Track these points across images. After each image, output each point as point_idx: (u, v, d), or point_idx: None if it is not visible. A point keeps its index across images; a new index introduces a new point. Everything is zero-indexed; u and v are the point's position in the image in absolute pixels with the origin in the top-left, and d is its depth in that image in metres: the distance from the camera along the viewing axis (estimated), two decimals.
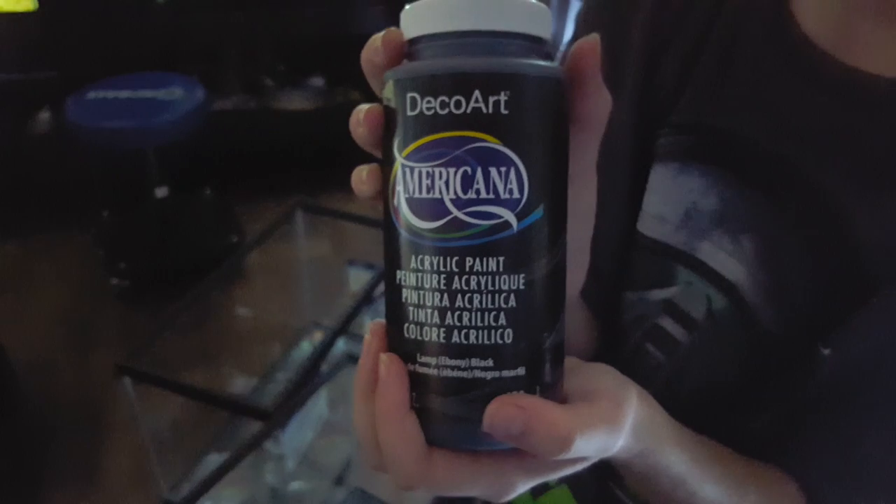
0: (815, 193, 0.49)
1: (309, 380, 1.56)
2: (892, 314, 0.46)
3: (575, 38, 0.62)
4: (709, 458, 0.46)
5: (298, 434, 1.55)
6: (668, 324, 0.56)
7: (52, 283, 2.49)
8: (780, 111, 0.51)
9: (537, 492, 0.65)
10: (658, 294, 0.57)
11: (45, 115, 2.84)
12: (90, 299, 2.46)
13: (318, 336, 2.11)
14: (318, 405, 1.61)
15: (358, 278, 1.95)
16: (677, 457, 0.42)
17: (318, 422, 1.63)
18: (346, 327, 1.71)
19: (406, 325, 0.32)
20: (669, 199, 0.55)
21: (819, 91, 0.49)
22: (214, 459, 1.65)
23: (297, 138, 2.77)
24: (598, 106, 0.34)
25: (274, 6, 2.94)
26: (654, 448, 0.41)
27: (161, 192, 2.53)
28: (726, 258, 0.52)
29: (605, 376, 0.37)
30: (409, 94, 0.30)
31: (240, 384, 1.98)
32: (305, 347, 2.10)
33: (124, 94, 2.40)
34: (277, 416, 1.43)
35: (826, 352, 0.48)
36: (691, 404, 0.55)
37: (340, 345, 1.75)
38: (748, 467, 0.50)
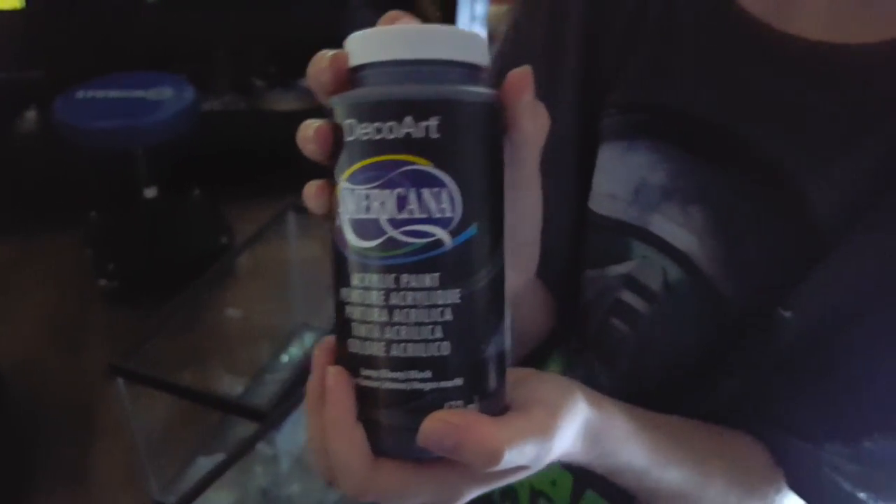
0: (761, 161, 0.50)
1: (303, 381, 1.55)
2: (846, 271, 0.48)
3: (514, 20, 0.63)
4: (670, 442, 0.47)
5: (292, 435, 1.55)
6: (628, 297, 0.57)
7: (40, 284, 2.48)
8: (721, 83, 0.52)
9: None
10: (616, 269, 0.58)
11: (31, 115, 2.82)
12: (79, 300, 2.45)
13: (308, 338, 2.11)
14: None
15: None
16: (638, 451, 0.43)
17: None
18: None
19: (350, 339, 0.33)
20: (619, 176, 0.56)
21: (758, 60, 0.50)
22: (205, 461, 1.65)
23: (287, 139, 2.72)
24: (534, 127, 0.35)
25: (264, 7, 2.93)
26: (611, 449, 0.42)
27: (150, 192, 2.52)
28: (677, 229, 0.53)
29: (546, 385, 0.38)
30: (347, 121, 0.32)
31: (229, 385, 1.98)
32: (296, 349, 2.10)
33: (113, 93, 2.39)
34: (273, 416, 1.43)
35: (786, 314, 0.49)
36: (659, 374, 0.58)
37: None
38: (713, 439, 0.51)
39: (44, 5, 2.69)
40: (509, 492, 0.67)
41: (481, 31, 2.81)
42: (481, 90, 0.33)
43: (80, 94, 2.36)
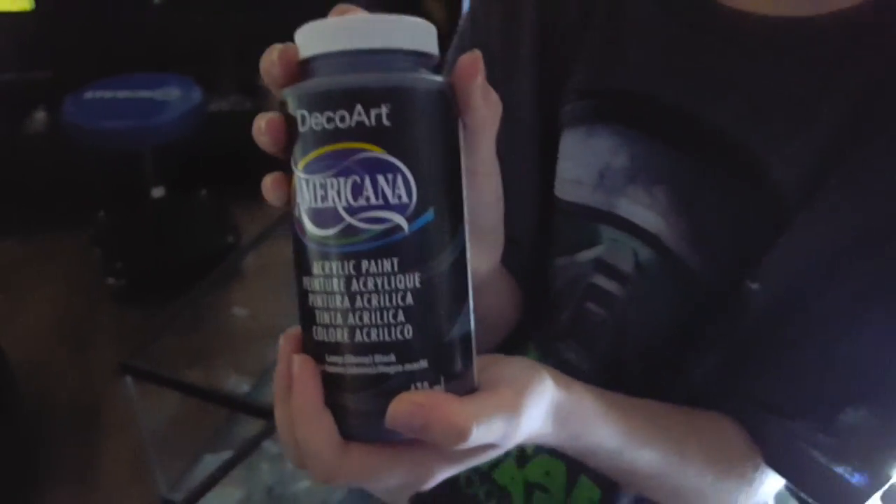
0: (719, 136, 0.51)
1: None
2: (809, 239, 0.49)
3: (469, 11, 0.63)
4: (643, 423, 0.47)
5: None
6: (601, 281, 0.58)
7: (48, 283, 2.49)
8: (673, 63, 0.53)
9: (521, 461, 0.66)
10: (586, 255, 0.58)
11: (41, 115, 2.83)
12: (87, 299, 2.46)
13: None
14: None
15: None
16: (609, 431, 0.44)
17: None
18: None
19: (314, 327, 0.34)
20: (582, 162, 0.57)
21: (708, 37, 0.51)
22: (212, 459, 1.66)
23: None
24: (487, 112, 0.35)
25: (270, 8, 2.94)
26: (581, 430, 0.42)
27: (158, 192, 2.54)
28: (644, 211, 0.54)
29: (514, 366, 0.38)
30: (300, 111, 0.32)
31: (236, 384, 1.99)
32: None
33: (121, 94, 2.40)
34: None
35: (754, 286, 0.50)
36: (638, 356, 0.58)
37: None
38: (688, 420, 0.52)
39: (53, 7, 2.70)
40: (502, 492, 0.66)
41: None
42: (431, 77, 0.34)
43: (89, 94, 2.38)
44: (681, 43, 0.53)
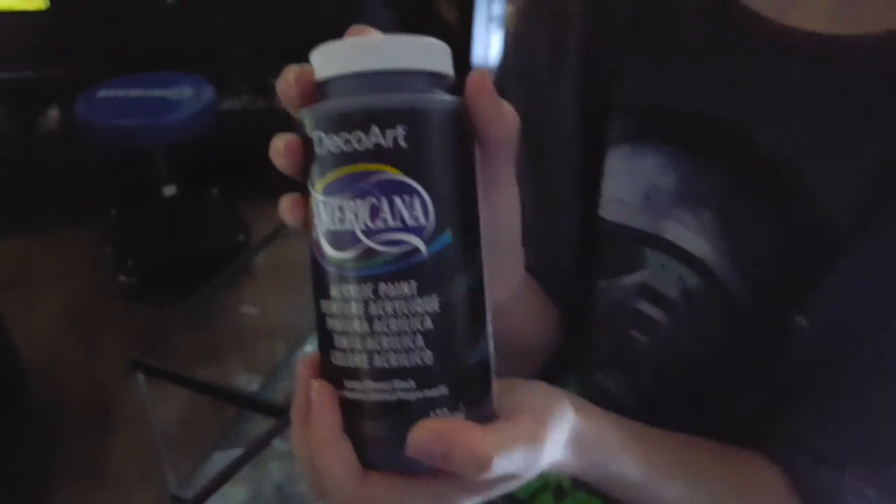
0: (767, 160, 0.49)
1: None
2: (859, 276, 0.46)
3: (515, 27, 0.62)
4: (669, 458, 0.46)
5: None
6: (645, 307, 0.56)
7: (60, 280, 2.50)
8: (722, 81, 0.51)
9: (559, 496, 0.65)
10: (630, 279, 0.56)
11: (54, 113, 2.85)
12: (98, 296, 2.47)
13: None
14: None
15: None
16: (631, 462, 0.43)
17: None
18: None
19: (332, 352, 0.33)
20: (627, 181, 0.55)
21: (758, 55, 0.49)
22: (221, 456, 1.66)
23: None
24: (501, 127, 0.34)
25: (282, 7, 2.95)
26: (603, 460, 0.41)
27: (169, 190, 2.54)
28: (691, 235, 0.52)
29: (534, 392, 0.38)
30: (317, 133, 0.32)
31: (245, 382, 1.99)
32: (311, 347, 2.11)
33: (134, 92, 2.41)
34: (289, 413, 1.44)
35: (803, 321, 0.48)
36: (680, 387, 0.56)
37: None
38: (722, 459, 0.50)
39: (67, 6, 2.72)
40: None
41: (497, 32, 2.81)
42: (446, 97, 0.33)
43: (102, 92, 2.39)
44: (731, 61, 0.51)
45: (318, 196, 0.33)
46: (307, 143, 0.33)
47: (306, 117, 0.33)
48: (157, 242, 2.65)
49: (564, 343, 0.64)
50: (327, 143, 0.32)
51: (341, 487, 0.32)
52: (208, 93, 2.44)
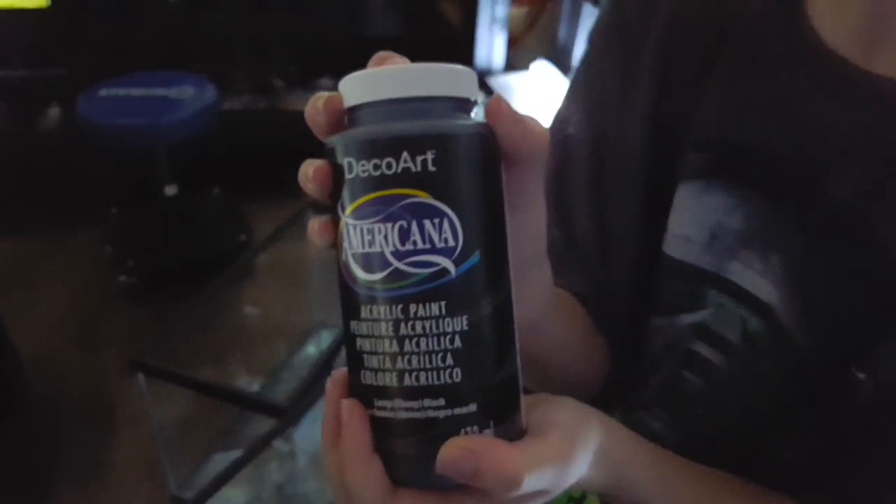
0: (839, 208, 0.47)
1: (321, 378, 1.56)
2: None
3: (585, 56, 0.62)
4: (697, 487, 0.46)
5: (309, 432, 1.56)
6: (702, 348, 0.55)
7: (60, 280, 2.50)
8: (801, 123, 0.49)
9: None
10: (688, 318, 0.55)
11: (55, 112, 2.85)
12: (98, 296, 2.47)
13: (325, 336, 2.12)
14: None
15: None
16: (657, 486, 0.43)
17: None
18: None
19: (362, 371, 0.34)
20: (694, 218, 0.54)
21: (840, 100, 0.48)
22: (221, 457, 1.66)
23: (306, 139, 2.76)
24: (527, 145, 0.35)
25: (284, 7, 2.95)
26: (628, 479, 0.41)
27: (171, 190, 2.54)
28: (757, 278, 0.51)
29: (562, 409, 0.38)
30: (347, 160, 0.33)
31: (247, 382, 1.99)
32: (312, 348, 2.10)
33: (135, 91, 2.41)
34: (290, 413, 1.43)
35: (862, 376, 0.46)
36: (730, 432, 0.55)
37: None
38: (753, 498, 0.49)
39: (68, 4, 2.72)
40: None
41: (500, 34, 2.81)
42: (472, 122, 0.34)
43: (103, 91, 2.39)
44: (811, 102, 0.49)
45: (347, 220, 0.33)
46: (336, 169, 0.34)
47: (336, 144, 0.34)
48: (158, 242, 2.64)
49: (611, 378, 0.63)
50: (357, 169, 0.33)
51: None
52: (210, 92, 2.44)
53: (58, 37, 2.74)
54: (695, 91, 0.54)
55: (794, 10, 0.50)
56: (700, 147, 0.54)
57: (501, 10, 2.80)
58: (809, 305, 0.49)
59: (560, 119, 0.63)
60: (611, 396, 0.63)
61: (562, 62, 2.66)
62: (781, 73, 0.50)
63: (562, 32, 2.70)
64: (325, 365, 1.62)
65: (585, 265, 0.61)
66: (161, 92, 2.41)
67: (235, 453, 1.40)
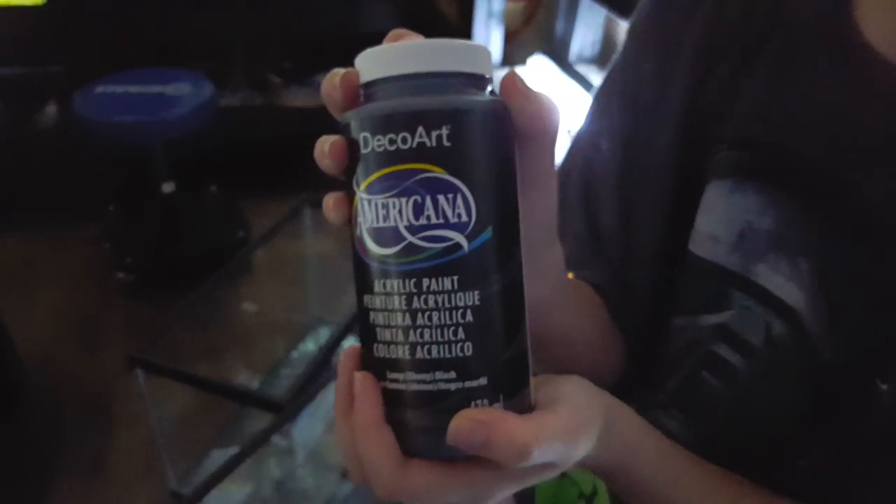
0: (872, 214, 0.46)
1: (318, 374, 1.57)
2: None
3: (623, 50, 0.61)
4: (702, 483, 0.46)
5: (308, 428, 1.56)
6: (724, 350, 0.54)
7: (58, 278, 2.50)
8: (840, 128, 0.48)
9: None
10: (710, 319, 0.54)
11: (52, 109, 2.85)
12: (96, 294, 2.47)
13: (322, 332, 2.12)
14: (327, 400, 1.62)
15: None
16: (659, 470, 0.44)
17: (326, 417, 1.64)
18: (354, 324, 1.72)
19: (375, 344, 0.35)
20: (723, 218, 0.53)
21: (877, 101, 0.46)
22: (221, 452, 1.67)
23: (303, 135, 2.76)
24: (541, 121, 0.35)
25: (280, 4, 2.94)
26: (632, 463, 0.42)
27: (168, 187, 2.54)
28: (784, 282, 0.50)
29: (572, 385, 0.38)
30: (363, 134, 0.33)
31: (246, 379, 2.00)
32: (310, 343, 2.11)
33: (132, 88, 2.40)
34: (289, 408, 1.44)
35: (884, 387, 0.46)
36: (747, 436, 0.55)
37: (348, 342, 1.76)
38: (760, 499, 0.49)
39: (65, 1, 2.71)
40: None
41: (497, 29, 2.81)
42: (486, 97, 0.35)
43: (100, 88, 2.38)
44: (853, 108, 0.47)
45: (362, 194, 0.34)
46: (352, 144, 0.34)
47: (352, 119, 0.34)
48: (155, 239, 2.64)
49: (627, 375, 0.63)
50: (373, 144, 0.33)
51: (383, 474, 0.33)
52: (207, 89, 2.44)
53: (55, 34, 2.74)
54: (731, 90, 0.53)
55: (841, 12, 0.49)
56: (733, 145, 0.53)
57: (498, 5, 2.80)
58: (836, 312, 0.48)
59: (592, 111, 0.64)
60: (626, 393, 0.63)
61: (559, 57, 2.66)
62: (822, 74, 0.49)
63: (559, 27, 2.70)
64: (323, 361, 1.63)
65: (608, 259, 0.62)
66: (158, 89, 2.41)
67: (234, 449, 1.41)
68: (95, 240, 2.61)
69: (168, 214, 2.66)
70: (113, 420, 2.00)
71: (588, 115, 0.64)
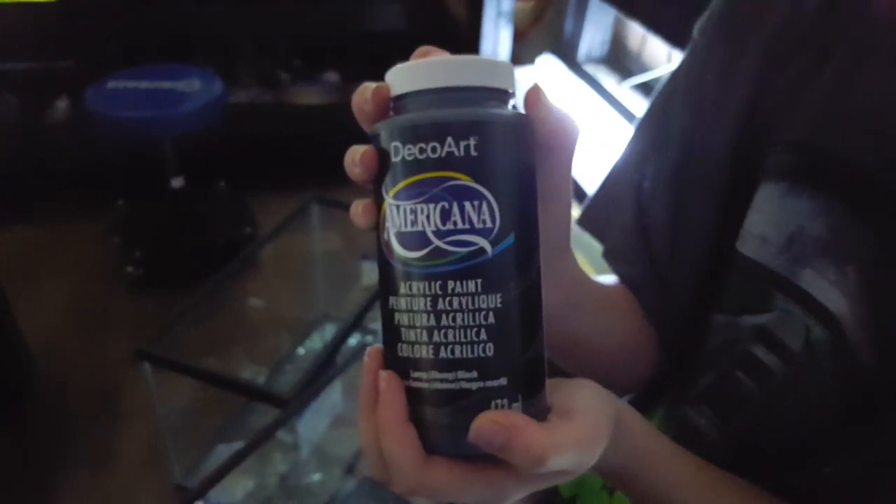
0: None
1: (324, 370, 1.58)
2: None
3: (692, 47, 0.61)
4: (711, 494, 0.47)
5: (313, 423, 1.57)
6: (760, 352, 0.54)
7: (67, 271, 2.52)
8: None
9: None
10: (750, 320, 0.54)
11: (63, 104, 2.86)
12: (105, 287, 2.49)
13: (328, 329, 2.13)
14: (332, 396, 1.63)
15: (371, 272, 1.97)
16: (666, 477, 0.44)
17: (331, 413, 1.65)
18: (359, 321, 1.73)
19: (399, 344, 0.36)
20: (774, 220, 0.52)
21: None
22: (226, 447, 1.68)
23: (311, 132, 2.78)
24: (561, 135, 0.38)
25: (291, 1, 2.95)
26: (639, 469, 0.43)
27: (177, 182, 2.55)
28: (829, 289, 0.49)
29: (585, 393, 0.39)
30: (394, 144, 0.35)
31: (251, 374, 2.00)
32: (316, 340, 2.12)
33: (143, 84, 2.42)
34: (294, 404, 1.45)
35: None
36: (776, 439, 0.54)
37: (354, 338, 1.77)
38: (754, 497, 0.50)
39: None
40: None
41: (506, 28, 2.81)
42: (511, 111, 0.37)
43: (111, 84, 2.40)
44: None
45: (391, 200, 0.36)
46: (381, 153, 0.36)
47: (383, 130, 0.36)
48: (164, 234, 2.66)
49: (659, 372, 0.63)
50: (403, 152, 0.35)
51: (405, 470, 0.35)
52: (217, 85, 2.45)
53: (66, 30, 2.75)
54: (797, 92, 0.53)
55: None
56: (791, 148, 0.53)
57: (507, 4, 2.80)
58: (881, 323, 0.47)
59: (651, 108, 0.64)
60: (657, 390, 0.64)
61: (568, 56, 2.65)
62: (886, 80, 0.48)
63: (568, 26, 2.70)
64: (328, 357, 1.63)
65: (652, 254, 0.62)
66: (168, 85, 2.42)
67: (239, 443, 1.41)
68: (105, 233, 2.63)
69: (177, 209, 2.68)
70: (119, 413, 2.02)
71: (647, 111, 0.65)
